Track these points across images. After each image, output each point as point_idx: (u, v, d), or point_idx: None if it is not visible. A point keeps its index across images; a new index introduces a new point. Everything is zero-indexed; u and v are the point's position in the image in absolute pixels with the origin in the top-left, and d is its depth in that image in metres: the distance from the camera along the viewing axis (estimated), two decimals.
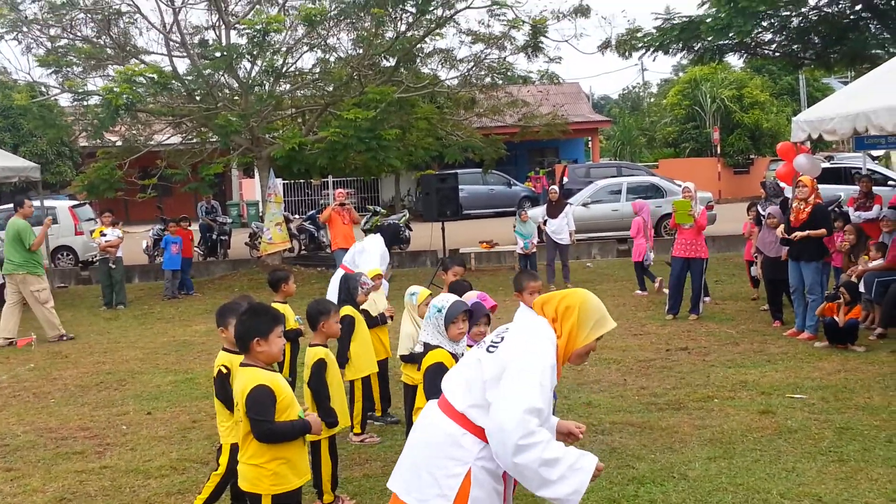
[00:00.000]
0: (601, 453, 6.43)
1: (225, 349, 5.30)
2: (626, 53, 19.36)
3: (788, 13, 17.54)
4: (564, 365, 3.55)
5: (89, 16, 17.84)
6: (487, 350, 3.51)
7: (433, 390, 4.78)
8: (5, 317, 12.17)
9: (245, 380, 4.13)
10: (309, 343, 5.81)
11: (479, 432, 3.39)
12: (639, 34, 19.09)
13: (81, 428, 7.86)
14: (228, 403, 5.14)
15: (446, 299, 5.24)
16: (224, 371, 5.18)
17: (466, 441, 3.41)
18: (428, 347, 5.03)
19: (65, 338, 12.26)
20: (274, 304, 7.04)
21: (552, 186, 16.70)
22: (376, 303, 7.68)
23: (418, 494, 3.45)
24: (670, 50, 19.14)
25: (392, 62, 18.83)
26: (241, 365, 4.22)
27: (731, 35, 17.16)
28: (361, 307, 7.30)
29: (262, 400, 4.07)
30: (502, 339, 3.51)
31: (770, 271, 11.18)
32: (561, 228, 15.28)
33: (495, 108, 20.61)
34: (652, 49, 19.10)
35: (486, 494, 3.40)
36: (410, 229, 21.63)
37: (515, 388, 3.30)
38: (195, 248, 19.89)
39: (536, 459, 3.22)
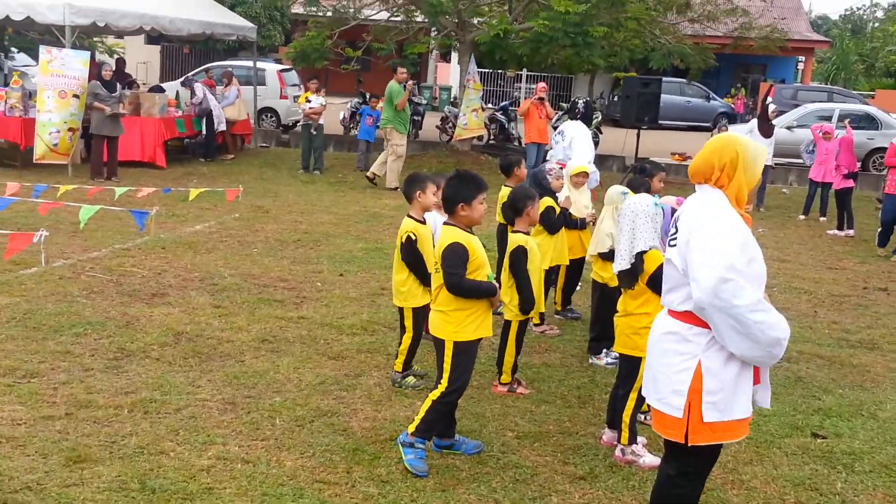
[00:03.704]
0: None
1: (410, 216, 5.66)
2: None
3: None
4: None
5: None
6: (670, 245, 3.60)
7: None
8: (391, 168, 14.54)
9: (445, 237, 4.56)
10: (512, 230, 5.89)
11: (704, 324, 3.43)
12: None
13: (281, 279, 8.39)
14: (414, 267, 5.61)
15: (650, 198, 5.13)
16: (413, 237, 5.57)
17: (692, 334, 3.47)
18: (640, 256, 4.78)
19: (398, 189, 13.59)
20: (505, 189, 7.16)
21: (770, 103, 15.71)
22: (578, 202, 7.49)
23: (657, 394, 3.61)
24: None
25: None
26: (444, 223, 4.63)
27: None
28: (564, 208, 7.26)
29: (455, 256, 4.48)
30: (677, 229, 3.55)
31: None
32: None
33: (711, 14, 19.58)
34: None
35: (722, 385, 3.43)
36: (601, 132, 21.17)
37: (706, 255, 3.31)
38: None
39: (741, 306, 3.26)
